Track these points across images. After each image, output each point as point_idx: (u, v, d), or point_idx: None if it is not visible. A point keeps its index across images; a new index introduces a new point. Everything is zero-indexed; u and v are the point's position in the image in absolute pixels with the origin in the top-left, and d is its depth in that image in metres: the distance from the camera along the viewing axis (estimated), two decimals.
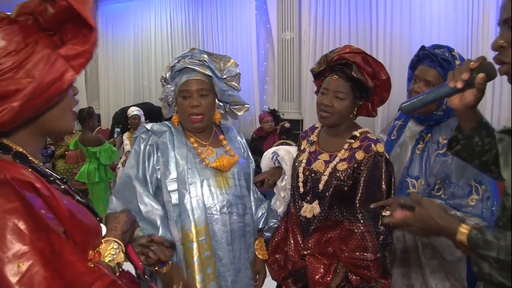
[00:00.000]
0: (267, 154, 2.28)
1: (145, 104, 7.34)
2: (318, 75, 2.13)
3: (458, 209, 2.01)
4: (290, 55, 6.62)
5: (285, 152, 2.25)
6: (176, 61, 2.00)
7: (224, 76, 2.03)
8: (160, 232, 1.83)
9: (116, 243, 1.27)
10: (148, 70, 8.18)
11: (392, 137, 2.34)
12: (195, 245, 1.88)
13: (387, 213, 1.86)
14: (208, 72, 1.97)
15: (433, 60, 2.09)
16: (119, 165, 5.81)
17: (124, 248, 1.29)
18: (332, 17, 6.12)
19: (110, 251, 1.24)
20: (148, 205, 1.88)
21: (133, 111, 6.04)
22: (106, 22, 8.61)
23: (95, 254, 1.21)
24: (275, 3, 6.57)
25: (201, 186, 1.93)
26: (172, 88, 2.01)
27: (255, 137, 6.09)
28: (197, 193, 1.92)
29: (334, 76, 2.02)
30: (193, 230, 1.88)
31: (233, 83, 2.08)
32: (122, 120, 6.55)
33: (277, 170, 2.25)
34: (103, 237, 1.28)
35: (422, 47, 2.17)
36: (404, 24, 5.64)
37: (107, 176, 5.52)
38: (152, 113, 6.70)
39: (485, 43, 5.05)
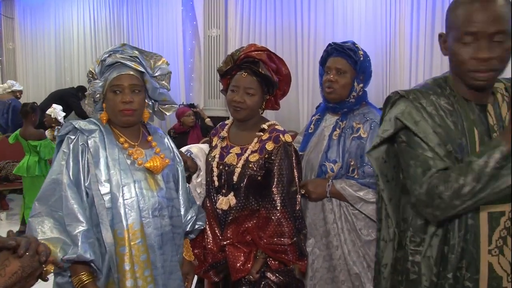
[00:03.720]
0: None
1: (55, 95, 7.23)
2: (225, 74, 2.23)
3: (370, 186, 2.20)
4: (216, 52, 6.64)
5: (198, 150, 2.34)
6: (107, 55, 1.90)
7: (156, 74, 1.99)
8: (79, 250, 1.72)
9: None
10: (70, 65, 7.92)
11: (310, 131, 2.50)
12: (126, 250, 1.81)
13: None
14: (141, 68, 1.92)
15: (340, 52, 2.31)
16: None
17: None
18: (258, 16, 6.22)
19: None
20: (72, 217, 1.77)
21: (50, 112, 5.93)
22: (23, 13, 8.26)
23: None
24: (201, 0, 6.56)
25: (135, 187, 1.88)
26: (101, 84, 1.90)
27: (175, 134, 5.91)
28: (131, 195, 1.85)
29: (243, 73, 2.13)
30: (126, 235, 1.82)
31: (163, 82, 2.03)
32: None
33: (195, 162, 2.30)
34: None
35: (329, 44, 2.39)
36: (327, 26, 5.86)
37: (47, 170, 5.35)
38: (62, 100, 6.77)
39: (401, 44, 5.38)
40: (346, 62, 2.29)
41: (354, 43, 2.34)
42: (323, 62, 2.41)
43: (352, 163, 2.25)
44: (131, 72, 1.90)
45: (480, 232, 1.47)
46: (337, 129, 2.33)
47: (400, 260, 1.65)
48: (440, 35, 1.56)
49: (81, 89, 7.32)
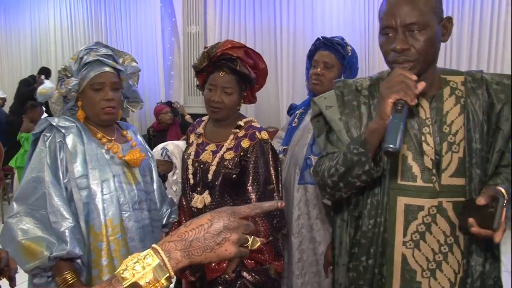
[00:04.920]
0: (156, 150, 2.29)
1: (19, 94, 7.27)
2: (201, 70, 2.16)
3: None
4: (195, 49, 6.62)
5: (174, 147, 2.31)
6: (85, 53, 1.90)
7: (128, 72, 2.01)
8: (68, 247, 1.70)
9: None
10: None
11: (294, 125, 2.48)
12: (104, 245, 1.81)
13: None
14: (119, 67, 1.94)
15: (329, 46, 2.33)
16: None
17: None
18: (237, 12, 6.21)
19: None
20: (57, 214, 1.75)
21: None
22: None
23: None
24: None
25: (114, 182, 1.88)
26: (76, 82, 1.88)
27: (154, 133, 5.91)
28: (110, 190, 1.86)
29: (221, 72, 2.06)
30: (103, 230, 1.82)
31: (133, 80, 2.07)
32: None
33: (167, 163, 2.26)
34: None
35: (318, 38, 2.40)
36: (306, 22, 5.87)
37: None
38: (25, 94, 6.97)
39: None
40: (334, 57, 2.31)
41: (342, 39, 2.37)
42: (310, 55, 2.42)
43: None
44: (111, 70, 1.91)
45: (396, 222, 1.51)
46: None
47: None
48: None
49: (43, 70, 7.42)
